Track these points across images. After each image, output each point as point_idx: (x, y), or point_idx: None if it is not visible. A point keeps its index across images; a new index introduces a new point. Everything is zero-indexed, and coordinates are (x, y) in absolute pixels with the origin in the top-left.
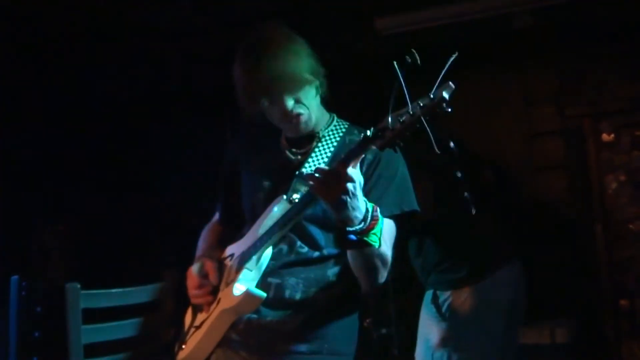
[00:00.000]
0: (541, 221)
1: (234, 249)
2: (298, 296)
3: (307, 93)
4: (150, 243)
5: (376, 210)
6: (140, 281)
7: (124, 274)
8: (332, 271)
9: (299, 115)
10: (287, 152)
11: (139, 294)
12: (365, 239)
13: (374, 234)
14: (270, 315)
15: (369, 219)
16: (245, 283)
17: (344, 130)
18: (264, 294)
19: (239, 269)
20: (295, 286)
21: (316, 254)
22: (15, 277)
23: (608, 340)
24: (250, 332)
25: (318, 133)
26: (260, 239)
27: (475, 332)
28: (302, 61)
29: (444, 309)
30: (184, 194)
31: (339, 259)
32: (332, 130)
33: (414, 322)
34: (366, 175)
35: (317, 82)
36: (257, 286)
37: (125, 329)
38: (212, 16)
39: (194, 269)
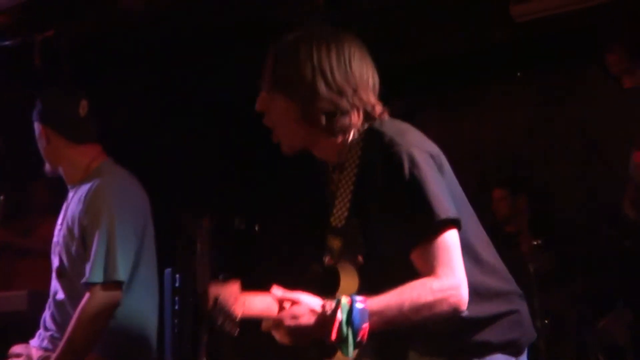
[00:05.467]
0: None
1: None
2: None
3: (273, 100)
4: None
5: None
6: None
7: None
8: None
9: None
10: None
11: None
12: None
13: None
14: None
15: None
16: None
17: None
18: None
19: None
20: None
21: None
22: (168, 270)
23: None
24: None
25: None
26: None
27: None
28: (294, 61)
29: None
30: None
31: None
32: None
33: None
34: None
35: (294, 97)
36: None
37: None
38: (345, 10)
39: None
